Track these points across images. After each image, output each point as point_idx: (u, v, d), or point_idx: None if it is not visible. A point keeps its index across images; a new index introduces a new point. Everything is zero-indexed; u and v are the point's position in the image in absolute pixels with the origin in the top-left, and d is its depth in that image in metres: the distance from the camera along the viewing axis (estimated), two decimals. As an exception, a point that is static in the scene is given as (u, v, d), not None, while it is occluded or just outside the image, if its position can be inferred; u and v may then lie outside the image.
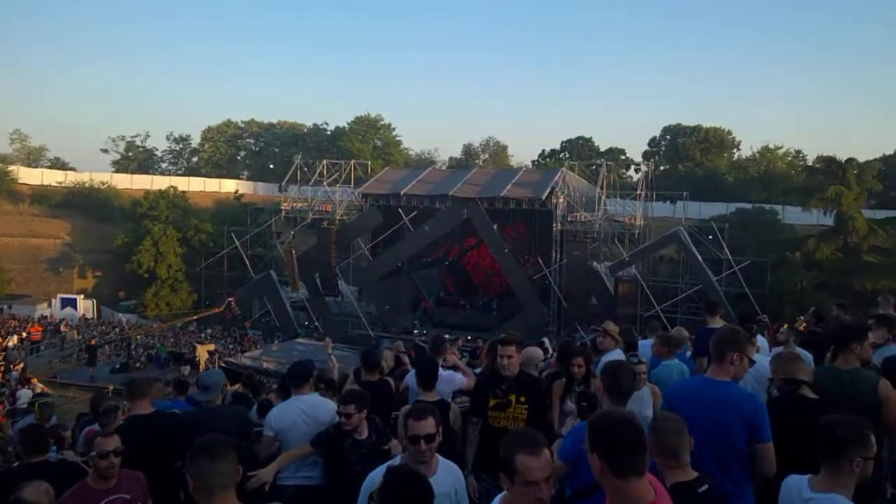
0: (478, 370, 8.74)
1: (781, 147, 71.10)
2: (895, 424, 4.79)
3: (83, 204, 58.21)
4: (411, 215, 38.43)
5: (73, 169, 69.29)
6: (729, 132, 74.11)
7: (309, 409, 5.72)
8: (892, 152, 61.91)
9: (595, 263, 38.31)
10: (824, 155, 41.17)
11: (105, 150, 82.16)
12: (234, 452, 3.22)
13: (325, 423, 5.57)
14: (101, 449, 4.52)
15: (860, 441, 3.45)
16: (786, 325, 10.13)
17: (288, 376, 6.39)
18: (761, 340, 8.22)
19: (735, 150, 75.28)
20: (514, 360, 5.85)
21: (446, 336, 11.98)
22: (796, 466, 3.84)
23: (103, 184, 61.36)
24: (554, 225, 37.29)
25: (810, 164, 54.01)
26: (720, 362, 4.40)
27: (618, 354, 7.25)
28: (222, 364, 27.31)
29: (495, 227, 37.21)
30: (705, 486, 3.37)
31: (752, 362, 4.45)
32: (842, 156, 37.71)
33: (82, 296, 48.11)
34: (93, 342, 34.10)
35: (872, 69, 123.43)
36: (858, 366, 5.09)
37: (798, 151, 71.09)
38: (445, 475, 4.04)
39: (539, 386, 6.21)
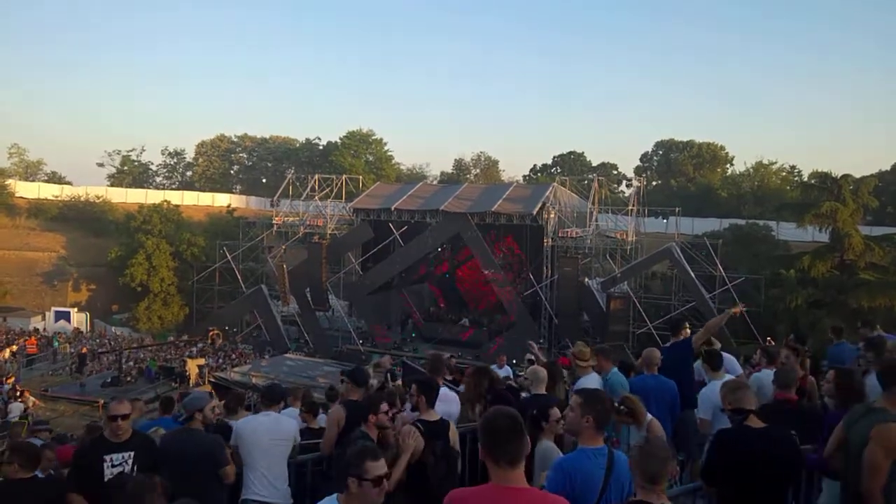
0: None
1: (776, 163, 71.54)
2: (870, 463, 4.22)
3: (78, 217, 58.85)
4: (402, 230, 38.37)
5: (69, 183, 70.03)
6: (722, 147, 74.66)
7: (273, 424, 6.10)
8: (888, 168, 62.16)
9: (586, 279, 38.00)
10: (819, 171, 41.22)
11: (101, 165, 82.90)
12: None
13: (288, 438, 6.10)
14: None
15: None
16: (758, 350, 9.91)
17: (261, 396, 6.83)
18: (728, 360, 8.10)
19: (728, 166, 75.64)
20: None
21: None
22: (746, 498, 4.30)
23: (98, 198, 61.99)
24: (545, 240, 37.10)
25: (805, 179, 54.33)
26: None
27: (594, 380, 7.14)
28: (211, 379, 27.38)
29: (485, 242, 37.13)
30: None
31: None
32: (837, 172, 37.48)
33: (76, 309, 48.23)
34: (84, 350, 34.31)
35: (867, 84, 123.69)
36: None
37: (792, 167, 71.56)
38: None
39: None
